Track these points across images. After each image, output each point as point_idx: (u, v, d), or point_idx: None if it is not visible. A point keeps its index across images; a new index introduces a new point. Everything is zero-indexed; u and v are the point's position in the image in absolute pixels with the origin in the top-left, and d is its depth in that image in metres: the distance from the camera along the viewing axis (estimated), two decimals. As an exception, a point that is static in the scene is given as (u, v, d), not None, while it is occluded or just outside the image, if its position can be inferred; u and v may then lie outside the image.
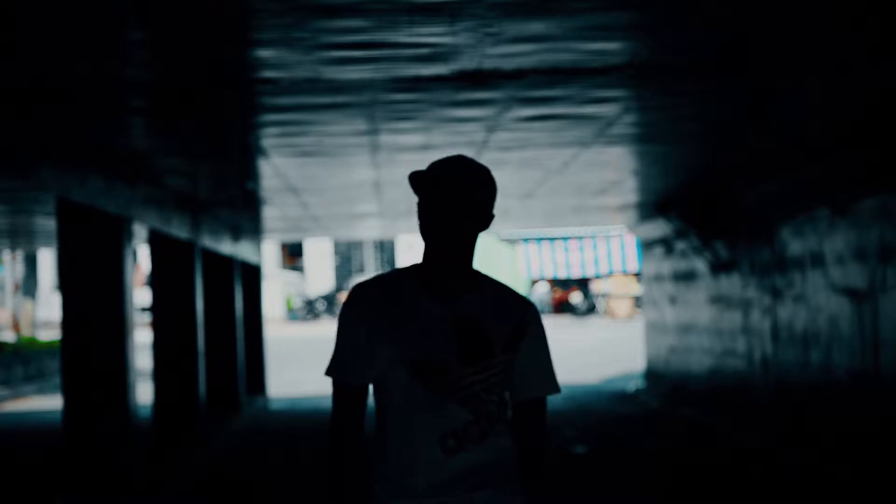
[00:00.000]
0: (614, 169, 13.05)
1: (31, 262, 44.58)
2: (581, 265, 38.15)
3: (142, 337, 16.42)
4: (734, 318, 15.15)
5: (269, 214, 17.27)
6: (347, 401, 3.62)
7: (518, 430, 3.65)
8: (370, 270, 57.02)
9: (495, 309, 3.59)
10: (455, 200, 3.51)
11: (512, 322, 3.60)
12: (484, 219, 3.56)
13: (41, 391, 24.55)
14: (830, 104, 9.27)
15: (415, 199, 9.61)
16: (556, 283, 51.48)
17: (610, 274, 43.09)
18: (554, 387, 3.67)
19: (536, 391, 3.66)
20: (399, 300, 3.56)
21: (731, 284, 15.25)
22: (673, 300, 18.72)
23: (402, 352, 3.53)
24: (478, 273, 3.64)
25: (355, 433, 3.62)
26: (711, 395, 16.43)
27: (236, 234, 18.77)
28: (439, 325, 3.55)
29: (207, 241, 16.07)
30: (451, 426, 3.53)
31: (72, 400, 10.88)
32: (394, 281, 3.61)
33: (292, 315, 51.23)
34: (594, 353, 30.91)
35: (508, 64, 7.32)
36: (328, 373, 3.62)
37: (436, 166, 3.56)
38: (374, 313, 3.55)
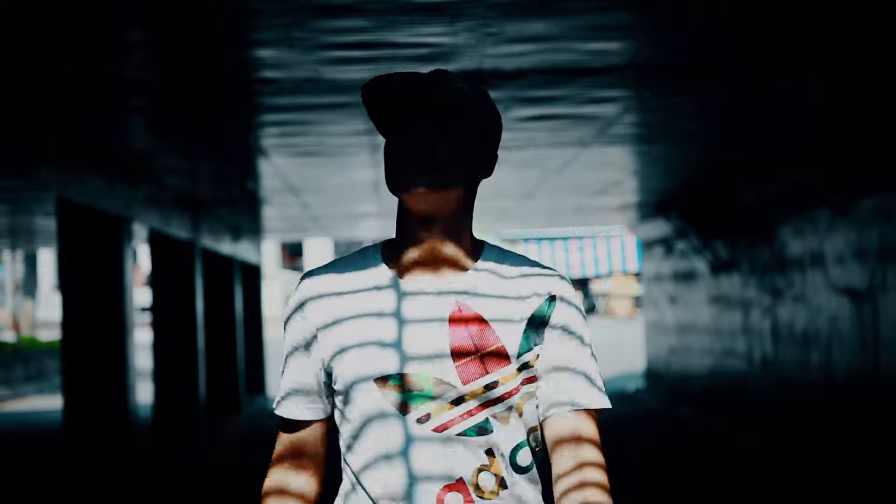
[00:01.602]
0: (614, 169, 13.05)
1: (31, 262, 44.55)
2: (581, 265, 38.12)
3: (142, 337, 16.41)
4: (734, 318, 15.15)
5: (269, 214, 17.27)
6: (296, 445, 2.52)
7: (555, 467, 2.41)
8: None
9: (510, 288, 2.40)
10: (446, 116, 2.36)
11: (527, 306, 2.39)
12: (488, 153, 2.44)
13: (41, 391, 24.56)
14: (830, 104, 9.27)
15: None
16: (556, 283, 51.43)
17: (610, 274, 43.08)
18: (600, 397, 2.44)
19: (579, 398, 2.41)
20: (363, 288, 2.43)
21: (731, 284, 15.25)
22: (673, 300, 18.72)
23: (374, 365, 2.38)
24: (483, 242, 2.46)
25: (310, 488, 2.52)
26: (711, 395, 16.43)
27: (236, 234, 18.77)
28: (428, 318, 2.37)
29: (207, 241, 16.07)
30: (454, 475, 2.34)
31: (72, 400, 10.88)
32: (354, 263, 2.48)
33: (292, 315, 51.20)
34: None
35: (508, 64, 7.32)
36: (276, 409, 2.55)
37: (410, 76, 2.40)
38: (325, 312, 2.44)
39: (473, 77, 7.64)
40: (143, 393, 13.97)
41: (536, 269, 2.43)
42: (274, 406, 2.56)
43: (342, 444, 2.48)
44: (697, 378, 17.22)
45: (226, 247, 17.78)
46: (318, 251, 57.30)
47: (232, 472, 13.18)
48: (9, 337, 31.42)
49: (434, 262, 2.40)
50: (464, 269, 2.41)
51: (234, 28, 6.54)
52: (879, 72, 8.08)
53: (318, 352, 2.45)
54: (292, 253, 59.26)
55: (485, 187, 14.64)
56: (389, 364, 2.37)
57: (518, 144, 10.77)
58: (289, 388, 2.52)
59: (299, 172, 12.48)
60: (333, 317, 2.43)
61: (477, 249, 2.44)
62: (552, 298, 2.40)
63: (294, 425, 2.53)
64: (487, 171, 2.44)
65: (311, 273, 2.51)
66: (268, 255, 49.28)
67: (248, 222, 18.48)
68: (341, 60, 7.13)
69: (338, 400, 2.45)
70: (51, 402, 20.68)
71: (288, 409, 2.53)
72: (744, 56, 7.53)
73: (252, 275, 21.20)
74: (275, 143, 10.42)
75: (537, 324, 2.38)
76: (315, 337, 2.45)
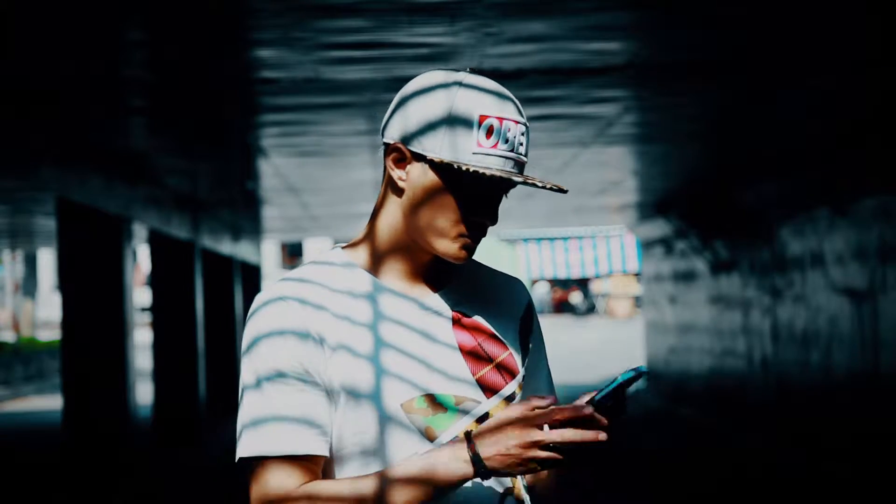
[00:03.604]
0: (614, 169, 13.05)
1: (31, 262, 44.58)
2: (581, 265, 38.15)
3: (142, 337, 16.41)
4: (734, 318, 15.15)
5: (269, 214, 17.28)
6: (296, 481, 2.07)
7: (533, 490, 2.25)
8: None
9: (494, 296, 2.22)
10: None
11: (514, 314, 2.23)
12: None
13: (41, 391, 24.57)
14: (830, 104, 9.27)
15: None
16: (556, 283, 51.52)
17: (610, 274, 43.11)
18: None
19: None
20: (357, 304, 2.09)
21: (731, 284, 15.25)
22: (673, 300, 18.72)
23: (399, 388, 2.06)
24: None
25: None
26: (711, 395, 16.43)
27: (236, 234, 18.77)
28: (436, 332, 2.12)
29: (207, 241, 16.07)
30: None
31: (72, 400, 10.88)
32: (335, 274, 2.11)
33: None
34: (594, 353, 30.90)
35: (508, 64, 7.32)
36: (253, 447, 2.08)
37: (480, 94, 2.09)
38: (330, 329, 2.05)
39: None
40: (143, 393, 13.97)
41: (503, 275, 2.28)
42: (260, 444, 2.05)
43: None
44: (697, 378, 17.21)
45: (226, 247, 17.79)
46: (317, 251, 57.25)
47: (232, 472, 13.19)
48: (9, 337, 31.42)
49: (422, 274, 2.15)
50: (447, 277, 2.17)
51: (234, 28, 6.54)
52: (879, 72, 8.08)
53: (320, 375, 2.04)
54: (292, 253, 59.26)
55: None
56: (413, 386, 2.06)
57: (518, 144, 10.76)
58: (284, 414, 2.04)
59: (299, 172, 12.48)
60: (340, 334, 2.06)
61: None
62: (529, 306, 2.26)
63: (296, 461, 2.06)
64: None
65: (282, 290, 2.07)
66: (268, 255, 49.29)
67: (248, 222, 18.48)
68: (341, 60, 7.13)
69: (347, 437, 2.07)
70: (51, 402, 20.68)
71: (291, 440, 2.04)
72: (744, 56, 7.53)
73: (252, 275, 21.21)
74: (275, 143, 10.42)
75: (523, 332, 2.23)
76: (314, 362, 2.04)
